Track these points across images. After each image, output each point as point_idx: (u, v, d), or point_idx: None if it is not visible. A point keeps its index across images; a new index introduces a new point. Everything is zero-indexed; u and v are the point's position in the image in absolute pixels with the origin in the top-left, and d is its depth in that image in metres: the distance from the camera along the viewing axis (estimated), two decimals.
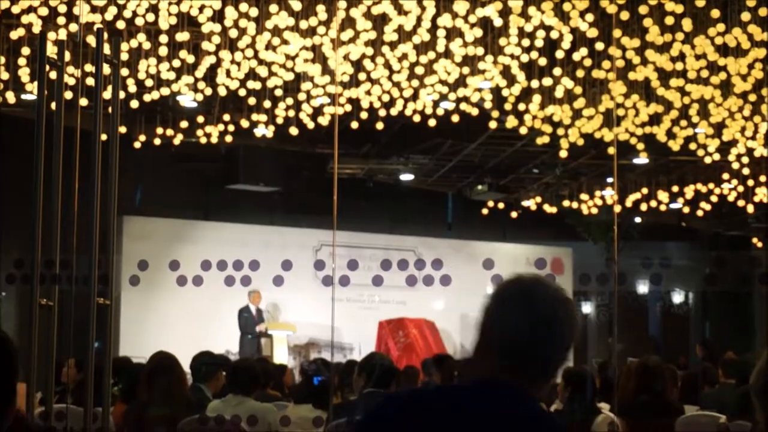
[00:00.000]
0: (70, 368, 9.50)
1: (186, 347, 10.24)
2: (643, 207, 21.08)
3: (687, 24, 12.41)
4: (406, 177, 23.93)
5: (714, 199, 20.14)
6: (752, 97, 14.11)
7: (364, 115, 14.81)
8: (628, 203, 21.24)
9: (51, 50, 7.90)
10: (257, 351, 19.49)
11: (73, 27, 12.19)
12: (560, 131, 15.15)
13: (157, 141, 16.34)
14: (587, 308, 28.09)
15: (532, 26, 12.73)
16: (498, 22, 12.77)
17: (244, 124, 15.51)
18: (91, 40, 10.62)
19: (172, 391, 7.84)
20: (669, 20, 12.41)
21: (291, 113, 14.99)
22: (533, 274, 3.11)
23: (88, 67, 10.59)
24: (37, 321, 7.07)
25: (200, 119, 16.08)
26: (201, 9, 12.57)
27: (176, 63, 13.66)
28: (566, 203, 22.75)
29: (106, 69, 7.89)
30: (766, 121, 14.72)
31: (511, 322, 3.02)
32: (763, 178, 18.29)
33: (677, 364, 15.66)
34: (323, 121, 15.07)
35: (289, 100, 14.83)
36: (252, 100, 14.53)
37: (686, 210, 21.44)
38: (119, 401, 8.85)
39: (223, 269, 9.16)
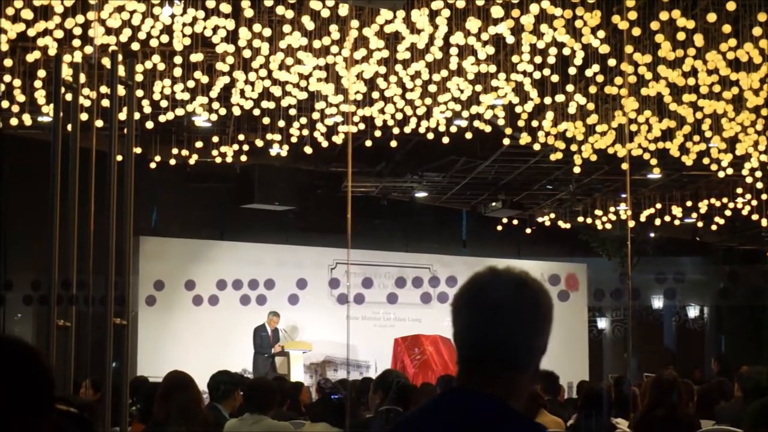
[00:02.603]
0: (87, 389, 9.55)
1: (203, 366, 10.28)
2: (657, 222, 21.08)
3: (699, 39, 12.44)
4: (420, 194, 23.97)
5: (728, 213, 20.15)
6: (765, 112, 14.12)
7: (377, 133, 14.85)
8: (642, 218, 21.25)
9: (66, 72, 7.96)
10: (271, 370, 19.51)
11: (88, 49, 12.27)
12: (573, 147, 15.18)
13: (173, 161, 16.40)
14: (603, 324, 28.07)
15: (545, 43, 12.75)
16: (510, 39, 12.80)
17: (259, 143, 15.56)
18: (106, 62, 10.72)
19: (188, 410, 7.84)
20: (681, 36, 12.43)
21: (305, 132, 15.05)
22: (492, 266, 3.03)
23: (104, 89, 10.69)
24: (55, 342, 7.12)
25: (215, 139, 16.15)
26: (215, 30, 12.62)
27: (191, 84, 13.72)
28: (580, 219, 22.78)
29: (121, 90, 7.97)
30: None
31: (463, 322, 2.99)
32: None
33: (693, 378, 15.62)
34: (337, 139, 15.12)
35: (303, 120, 14.88)
36: (266, 120, 14.58)
37: (700, 224, 21.46)
38: (136, 421, 8.87)
39: (239, 288, 9.21)
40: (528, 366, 2.96)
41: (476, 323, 2.97)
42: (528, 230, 23.99)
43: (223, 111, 14.51)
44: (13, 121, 13.74)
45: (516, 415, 2.90)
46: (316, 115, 14.67)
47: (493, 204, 23.28)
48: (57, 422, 2.88)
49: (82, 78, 9.12)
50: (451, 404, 2.95)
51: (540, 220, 24.14)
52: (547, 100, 13.87)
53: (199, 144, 16.09)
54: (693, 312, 28.82)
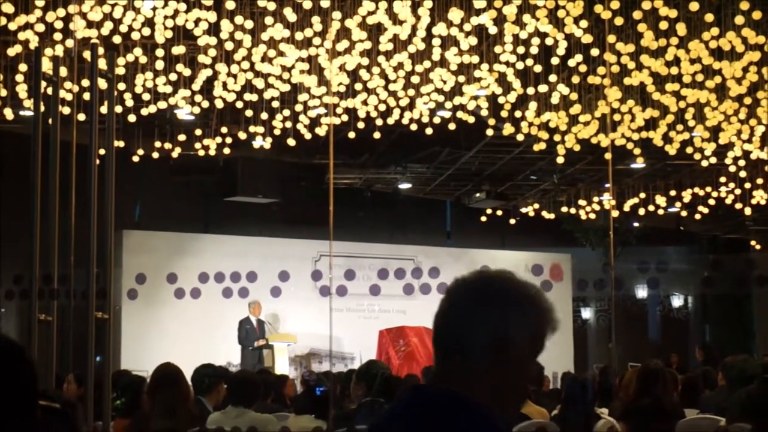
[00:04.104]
0: (71, 383, 9.50)
1: (187, 359, 10.23)
2: (641, 211, 21.10)
3: (681, 28, 12.44)
4: (404, 186, 23.95)
5: (711, 202, 20.16)
6: (747, 100, 14.13)
7: (360, 125, 14.81)
8: (626, 208, 21.26)
9: (47, 66, 7.92)
10: (259, 362, 19.48)
11: (70, 43, 12.21)
12: (557, 137, 15.16)
13: (155, 154, 16.35)
14: (587, 314, 28.11)
15: (527, 33, 12.74)
16: (493, 30, 12.79)
17: (242, 136, 15.50)
18: (87, 55, 10.66)
19: (175, 405, 7.82)
20: (663, 25, 12.43)
21: (288, 124, 15.00)
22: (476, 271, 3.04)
23: (85, 82, 10.65)
24: (37, 336, 7.09)
25: (198, 132, 16.09)
26: (197, 22, 12.58)
27: (173, 76, 13.67)
28: (564, 209, 22.77)
29: (102, 84, 7.93)
30: (762, 124, 14.73)
31: (435, 324, 3.01)
32: (760, 181, 18.30)
33: (667, 363, 15.65)
34: (320, 131, 15.08)
35: (286, 112, 14.84)
36: (249, 112, 14.54)
37: (684, 214, 21.46)
38: (120, 415, 8.84)
39: (221, 281, 9.17)
40: (472, 349, 2.89)
41: (436, 316, 3.01)
42: (512, 221, 24.00)
43: (205, 104, 14.45)
44: None
45: (466, 407, 2.86)
46: (299, 107, 14.63)
47: (477, 195, 23.27)
48: (42, 418, 2.86)
49: (63, 71, 9.09)
50: (408, 403, 2.96)
51: (524, 210, 24.13)
52: (530, 91, 13.85)
53: (182, 137, 16.04)
54: (677, 301, 28.87)
